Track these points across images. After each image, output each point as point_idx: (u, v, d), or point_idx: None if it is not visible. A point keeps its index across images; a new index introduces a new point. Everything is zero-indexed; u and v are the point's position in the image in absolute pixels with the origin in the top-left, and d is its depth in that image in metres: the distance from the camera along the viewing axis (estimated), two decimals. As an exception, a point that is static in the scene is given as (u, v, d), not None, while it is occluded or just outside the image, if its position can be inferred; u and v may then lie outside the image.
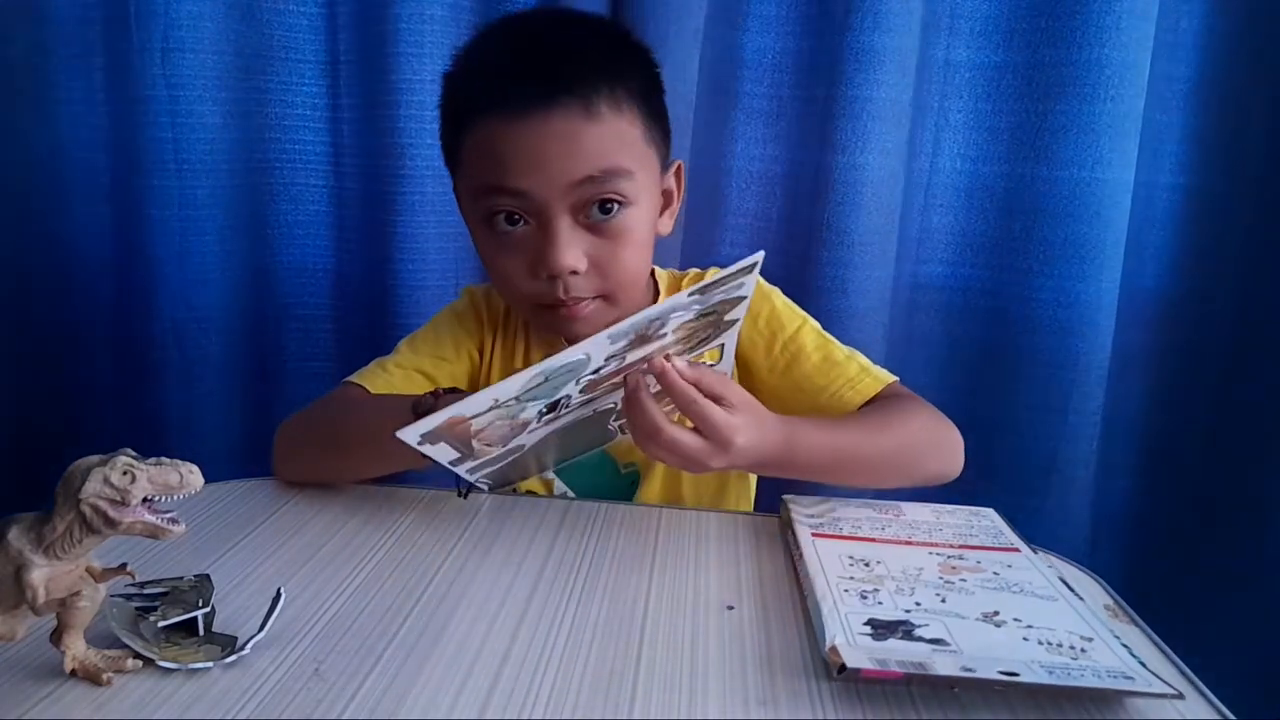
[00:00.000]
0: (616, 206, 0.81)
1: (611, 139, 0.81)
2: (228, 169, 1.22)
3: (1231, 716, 0.52)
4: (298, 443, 0.86)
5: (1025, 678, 0.52)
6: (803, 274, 1.20)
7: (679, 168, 0.93)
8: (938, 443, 0.84)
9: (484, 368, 0.98)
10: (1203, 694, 0.54)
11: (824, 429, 0.78)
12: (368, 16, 1.18)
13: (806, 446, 0.75)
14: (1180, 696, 0.51)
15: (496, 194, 0.81)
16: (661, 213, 0.90)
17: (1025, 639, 0.57)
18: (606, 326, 0.66)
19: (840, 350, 0.91)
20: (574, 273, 0.81)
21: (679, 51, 1.17)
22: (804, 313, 0.94)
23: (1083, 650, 0.55)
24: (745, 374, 0.93)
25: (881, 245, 1.19)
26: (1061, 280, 1.18)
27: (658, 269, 0.98)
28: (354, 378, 0.90)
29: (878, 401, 0.86)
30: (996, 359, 1.24)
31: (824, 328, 0.94)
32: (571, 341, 0.86)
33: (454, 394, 0.77)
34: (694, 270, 1.00)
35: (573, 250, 0.80)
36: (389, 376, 0.90)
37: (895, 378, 0.90)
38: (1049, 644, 0.56)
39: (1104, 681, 0.52)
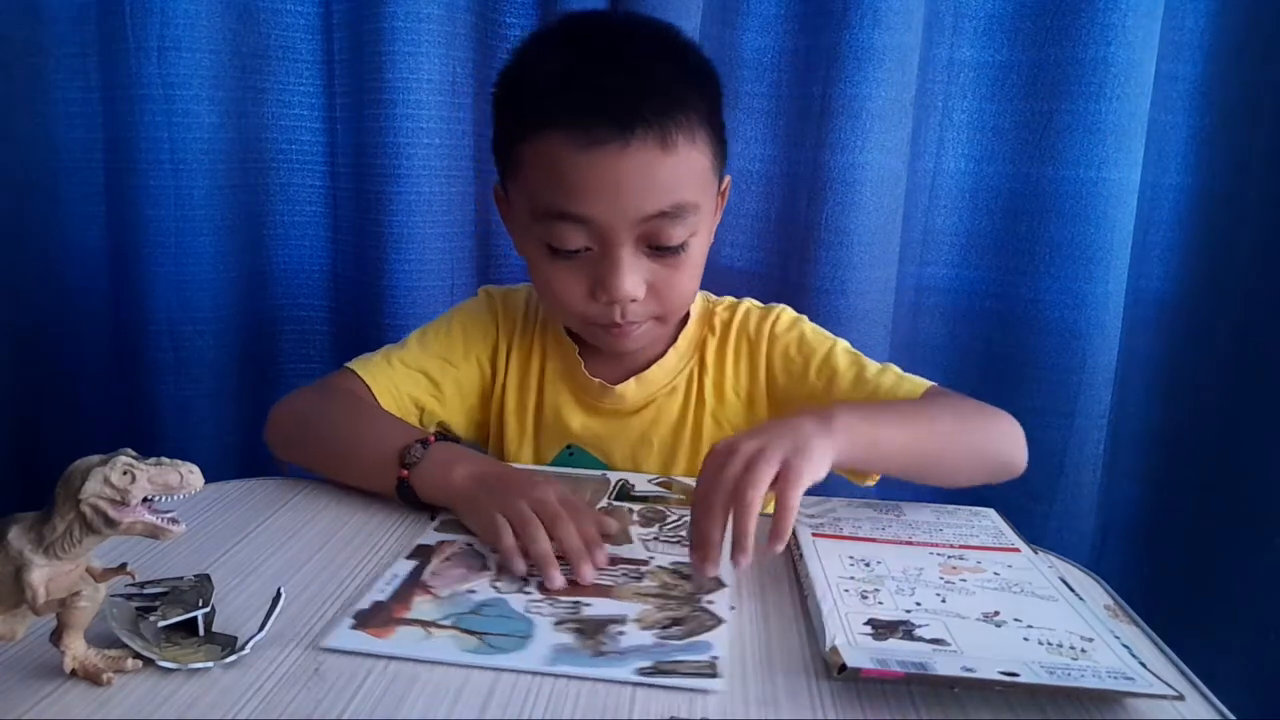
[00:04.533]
0: (681, 246, 0.81)
1: (684, 173, 0.80)
2: (224, 168, 1.21)
3: (1231, 717, 0.52)
4: (292, 431, 0.87)
5: (1025, 678, 0.52)
6: (802, 274, 1.20)
7: (728, 183, 0.92)
8: (993, 420, 0.80)
9: (497, 378, 0.96)
10: (1203, 694, 0.54)
11: (861, 409, 0.74)
12: (363, 15, 1.17)
13: (845, 423, 0.68)
14: (1180, 698, 0.51)
15: (561, 220, 0.79)
16: None
17: (1025, 639, 0.57)
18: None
19: (873, 366, 0.88)
20: (633, 300, 0.82)
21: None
22: (832, 335, 0.93)
23: (1083, 651, 0.55)
24: (785, 412, 0.91)
25: (882, 245, 1.19)
26: (1068, 282, 1.19)
27: None
28: (358, 368, 0.90)
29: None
30: (1002, 361, 1.24)
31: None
32: (615, 354, 0.88)
33: (446, 439, 0.79)
34: (729, 299, 0.98)
35: (634, 278, 0.81)
36: (392, 372, 0.90)
37: (933, 383, 0.86)
38: (1049, 644, 0.56)
39: (1104, 682, 0.52)
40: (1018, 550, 0.70)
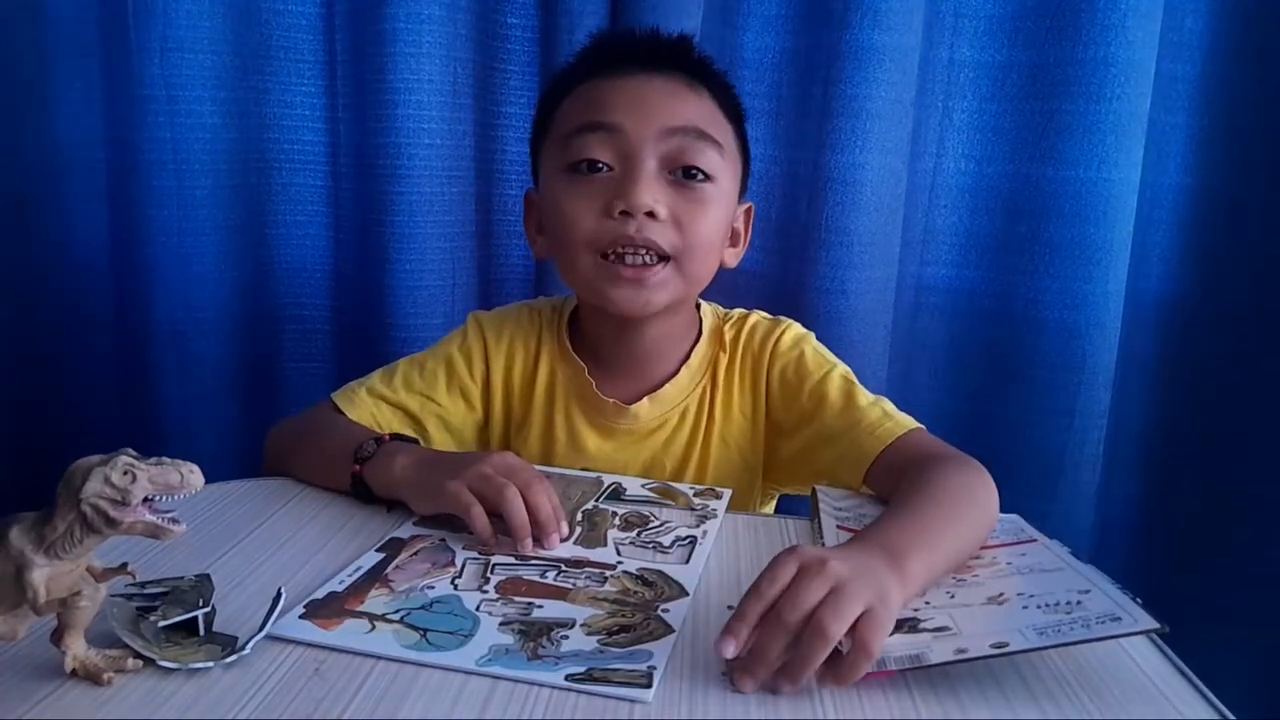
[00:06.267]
0: (701, 174, 0.83)
1: (708, 113, 0.85)
2: (226, 168, 1.21)
3: (1231, 716, 0.52)
4: (277, 449, 0.89)
5: (1015, 645, 0.52)
6: (802, 274, 1.20)
7: (749, 210, 0.95)
8: (983, 486, 0.73)
9: (492, 409, 0.95)
10: (1203, 694, 0.54)
11: (923, 546, 0.62)
12: (365, 16, 1.17)
13: (915, 575, 0.60)
14: (1165, 630, 0.52)
15: (589, 131, 0.82)
16: (729, 246, 0.92)
17: (1025, 608, 0.57)
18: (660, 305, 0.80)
19: (865, 396, 0.87)
20: (650, 215, 0.81)
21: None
22: (834, 359, 0.92)
23: (1078, 603, 0.56)
24: (774, 435, 0.92)
25: (883, 245, 1.19)
26: (1067, 282, 1.18)
27: (703, 303, 0.97)
28: (340, 401, 0.90)
29: (909, 473, 0.74)
30: (1001, 361, 1.24)
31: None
32: (623, 315, 0.85)
33: (398, 439, 0.80)
34: (738, 312, 0.98)
35: (654, 191, 0.81)
36: (375, 410, 0.90)
37: (919, 425, 0.84)
38: (1045, 606, 0.56)
39: (1091, 631, 0.52)
40: (1034, 541, 0.70)
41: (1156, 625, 0.52)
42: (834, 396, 0.87)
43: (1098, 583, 0.58)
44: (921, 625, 0.57)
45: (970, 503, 0.71)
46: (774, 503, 1.01)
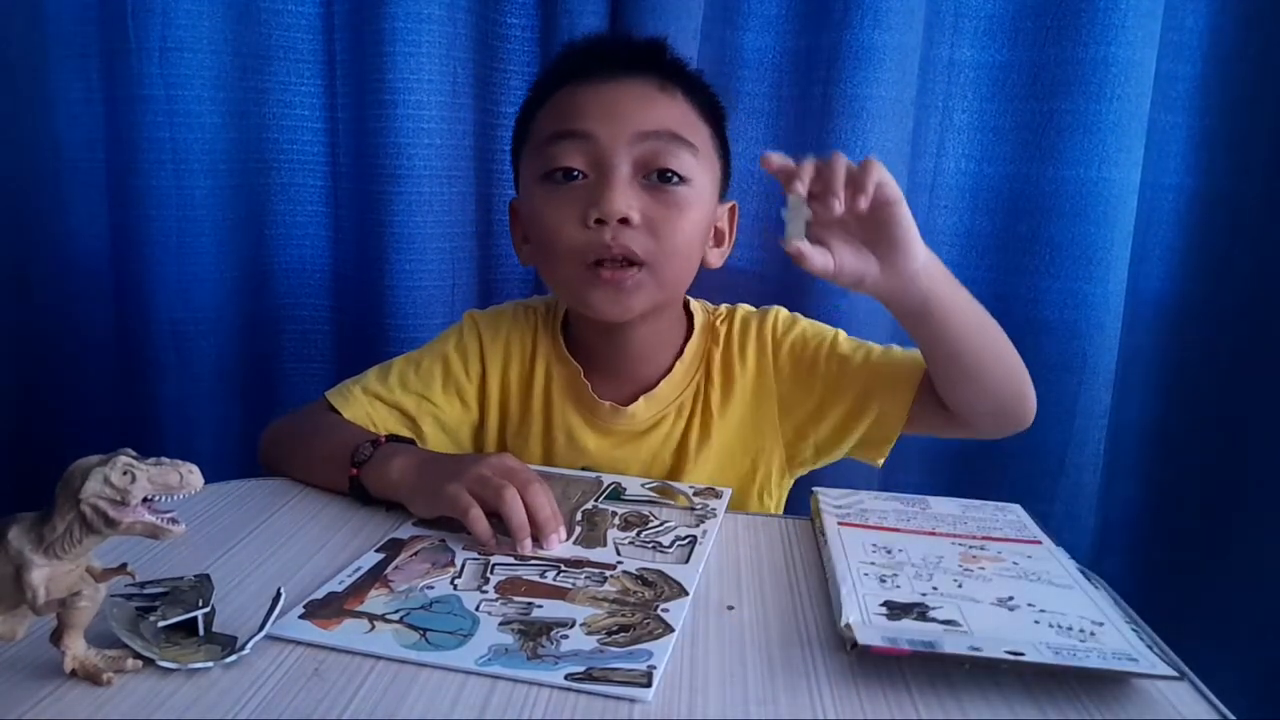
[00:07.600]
0: (675, 177, 0.83)
1: (681, 115, 0.86)
2: (225, 168, 1.22)
3: (1231, 716, 0.52)
4: (273, 450, 0.89)
5: (1030, 657, 0.52)
6: (802, 274, 1.18)
7: (733, 209, 0.95)
8: (1022, 364, 0.83)
9: (488, 409, 0.95)
10: (1202, 694, 0.54)
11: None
12: (364, 16, 1.17)
13: (943, 274, 0.77)
14: (1180, 678, 0.52)
15: (562, 139, 0.83)
16: (713, 246, 0.92)
17: (1036, 622, 0.57)
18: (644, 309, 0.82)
19: (877, 347, 0.90)
20: (625, 221, 0.81)
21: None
22: (826, 325, 0.94)
23: (1092, 634, 0.56)
24: (796, 411, 0.92)
25: (883, 245, 1.19)
26: (1068, 282, 1.18)
27: (692, 300, 0.97)
28: (335, 400, 0.90)
29: None
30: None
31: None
32: (606, 320, 0.85)
33: (394, 441, 0.80)
34: (724, 307, 0.98)
35: (627, 197, 0.81)
36: (370, 409, 0.90)
37: None
38: (1059, 627, 0.57)
39: (1107, 663, 0.52)
40: (1039, 543, 0.70)
41: (1174, 674, 0.52)
42: (849, 352, 0.90)
43: (1110, 615, 0.58)
44: (931, 614, 0.57)
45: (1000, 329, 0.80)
46: (784, 498, 1.00)
